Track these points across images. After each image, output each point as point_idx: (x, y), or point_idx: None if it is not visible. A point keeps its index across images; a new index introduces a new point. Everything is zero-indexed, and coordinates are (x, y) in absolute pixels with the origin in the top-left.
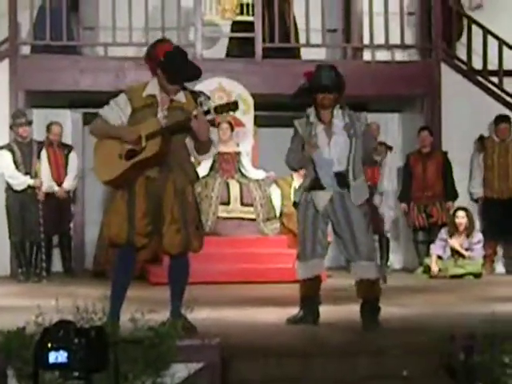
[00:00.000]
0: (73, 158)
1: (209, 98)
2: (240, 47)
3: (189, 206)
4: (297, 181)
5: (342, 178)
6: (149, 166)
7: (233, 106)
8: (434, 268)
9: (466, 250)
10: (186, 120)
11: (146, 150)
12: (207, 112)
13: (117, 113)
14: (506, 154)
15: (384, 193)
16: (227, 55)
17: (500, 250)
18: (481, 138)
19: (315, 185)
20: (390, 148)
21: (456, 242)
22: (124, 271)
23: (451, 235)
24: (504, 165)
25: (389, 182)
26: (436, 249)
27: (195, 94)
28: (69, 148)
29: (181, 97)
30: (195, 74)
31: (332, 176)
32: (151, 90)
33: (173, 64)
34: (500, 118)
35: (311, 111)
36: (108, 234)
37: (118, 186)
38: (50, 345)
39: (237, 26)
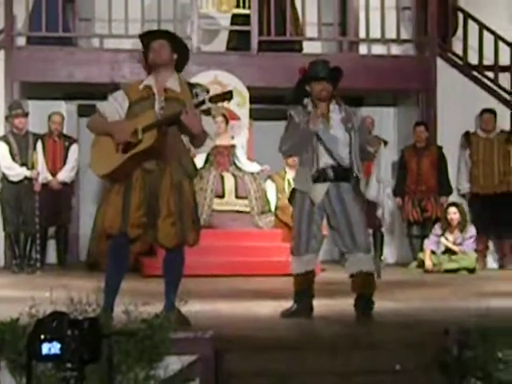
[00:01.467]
0: (73, 150)
1: (208, 91)
2: (239, 40)
3: (185, 199)
4: (290, 174)
5: (341, 171)
6: (145, 159)
7: (227, 95)
8: (429, 263)
9: (459, 244)
10: (177, 113)
11: (142, 142)
12: (202, 102)
13: (114, 107)
14: (490, 149)
15: (382, 182)
16: (227, 48)
17: (491, 245)
18: (466, 134)
19: (320, 176)
20: (385, 142)
21: (448, 240)
22: (117, 262)
23: (444, 231)
24: (489, 160)
25: (386, 172)
26: (430, 244)
27: (192, 86)
28: (70, 140)
29: (175, 85)
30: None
31: (342, 150)
32: (147, 82)
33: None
34: (485, 110)
35: (308, 101)
36: (102, 225)
37: (115, 179)
38: (43, 336)
39: (237, 18)
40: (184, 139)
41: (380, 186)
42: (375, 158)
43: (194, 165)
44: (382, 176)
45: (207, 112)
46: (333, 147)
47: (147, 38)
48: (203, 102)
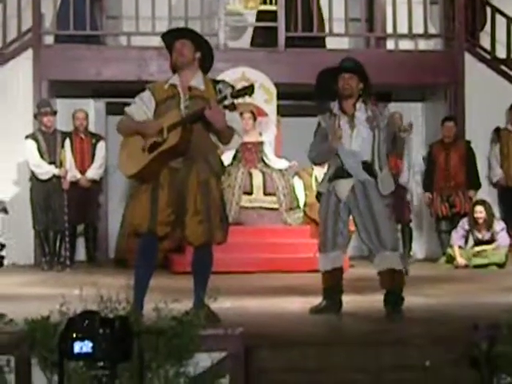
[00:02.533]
0: (100, 147)
1: (232, 87)
2: (264, 36)
3: (212, 197)
4: (317, 170)
5: (367, 167)
6: (171, 157)
7: (249, 89)
8: (460, 260)
9: (490, 241)
10: (201, 109)
11: (167, 141)
12: (224, 97)
13: (141, 108)
14: None
15: (413, 166)
16: (251, 44)
17: None
18: (497, 130)
19: (339, 173)
20: (410, 126)
21: (478, 238)
22: (146, 260)
23: (471, 228)
24: None
25: (417, 157)
26: (457, 239)
27: (216, 83)
28: (97, 137)
29: (199, 83)
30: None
31: (358, 166)
32: (172, 81)
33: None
34: None
35: (334, 104)
36: (131, 223)
37: (143, 179)
38: (74, 335)
39: (262, 15)
40: (212, 137)
41: (410, 173)
42: (405, 145)
43: (222, 163)
44: (413, 160)
45: (231, 107)
46: (349, 162)
47: (169, 37)
48: (225, 98)
